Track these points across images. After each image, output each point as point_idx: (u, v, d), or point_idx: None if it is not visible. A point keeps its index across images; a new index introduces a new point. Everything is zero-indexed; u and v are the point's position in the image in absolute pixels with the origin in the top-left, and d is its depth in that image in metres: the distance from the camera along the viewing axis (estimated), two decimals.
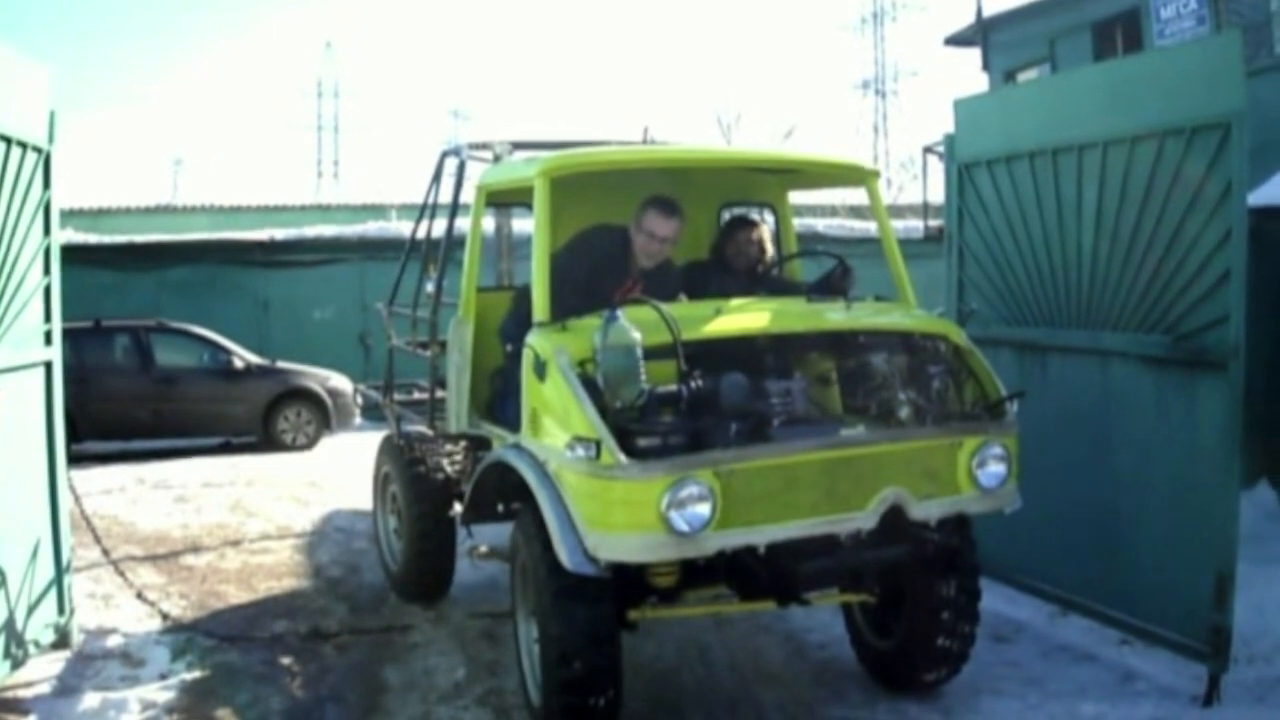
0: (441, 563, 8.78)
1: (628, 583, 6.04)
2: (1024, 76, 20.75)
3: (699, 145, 8.60)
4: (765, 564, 5.80)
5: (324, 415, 18.00)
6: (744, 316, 6.37)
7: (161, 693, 7.05)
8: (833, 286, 7.14)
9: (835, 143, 78.14)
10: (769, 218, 8.63)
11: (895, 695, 6.93)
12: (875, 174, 7.88)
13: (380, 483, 9.62)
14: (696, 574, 6.19)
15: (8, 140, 6.70)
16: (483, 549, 7.55)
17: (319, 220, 27.28)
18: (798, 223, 24.35)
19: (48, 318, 7.48)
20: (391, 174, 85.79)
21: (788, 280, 7.88)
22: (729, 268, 7.65)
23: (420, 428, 9.23)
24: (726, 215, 8.65)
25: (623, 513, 5.47)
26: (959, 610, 6.70)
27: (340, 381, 17.89)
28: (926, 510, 5.97)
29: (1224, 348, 6.61)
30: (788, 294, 7.19)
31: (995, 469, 6.18)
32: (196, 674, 7.41)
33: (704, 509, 5.42)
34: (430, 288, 8.75)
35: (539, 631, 6.08)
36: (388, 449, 9.41)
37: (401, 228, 9.32)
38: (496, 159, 8.07)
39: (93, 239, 21.52)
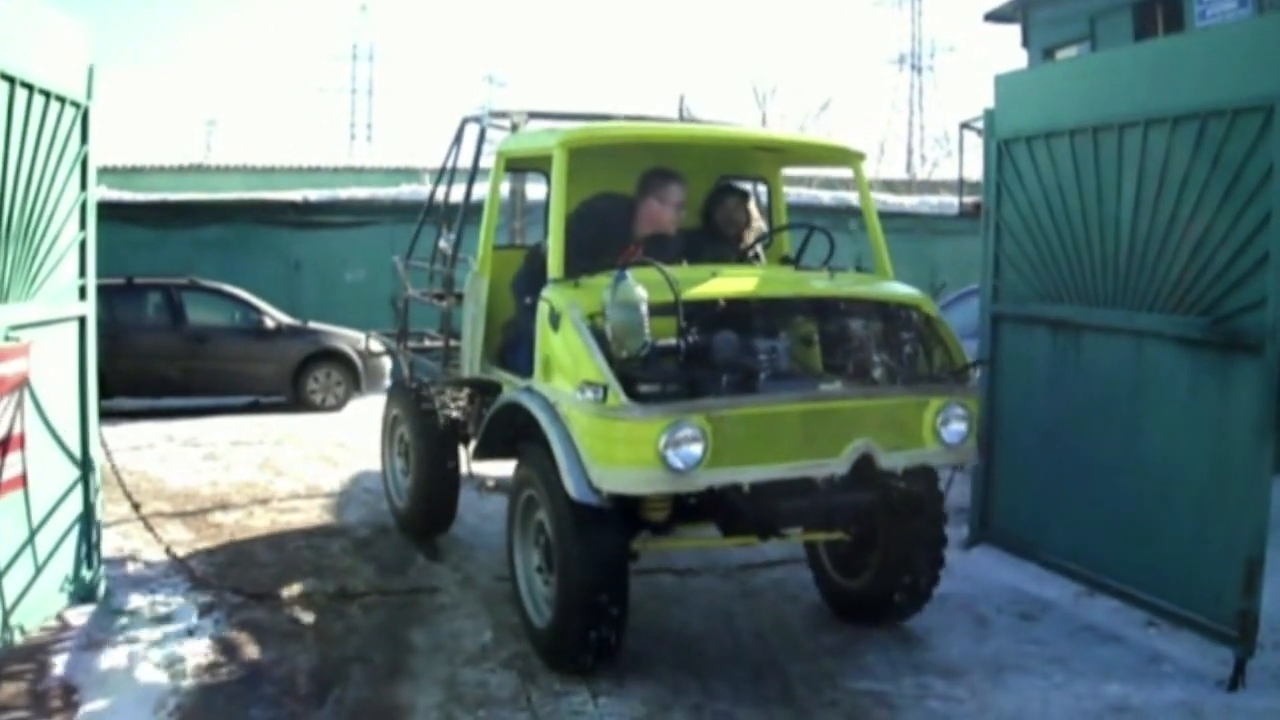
0: (446, 500, 9.41)
1: (624, 516, 6.65)
2: (1063, 54, 20.59)
3: (700, 124, 9.30)
4: (749, 501, 6.42)
5: (354, 377, 18.00)
6: (737, 281, 6.95)
7: (188, 648, 7.07)
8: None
9: (869, 117, 78.14)
10: (763, 191, 9.20)
11: (920, 670, 6.94)
12: (861, 156, 8.42)
13: (389, 425, 10.29)
14: (686, 511, 6.86)
15: (47, 94, 6.71)
16: (490, 483, 8.35)
17: (352, 182, 27.30)
18: (828, 194, 24.45)
19: (83, 273, 7.49)
20: (424, 138, 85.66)
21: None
22: (719, 234, 8.23)
23: (427, 376, 10.06)
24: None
25: (625, 450, 6.12)
26: (924, 553, 7.42)
27: (372, 343, 17.86)
28: (894, 460, 6.61)
29: (1261, 331, 6.58)
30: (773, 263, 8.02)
31: (957, 427, 6.76)
32: (223, 631, 7.43)
33: (697, 449, 6.06)
34: (445, 244, 9.59)
35: (558, 556, 6.63)
36: (398, 393, 10.20)
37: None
38: (514, 128, 8.75)
39: (126, 196, 21.57)
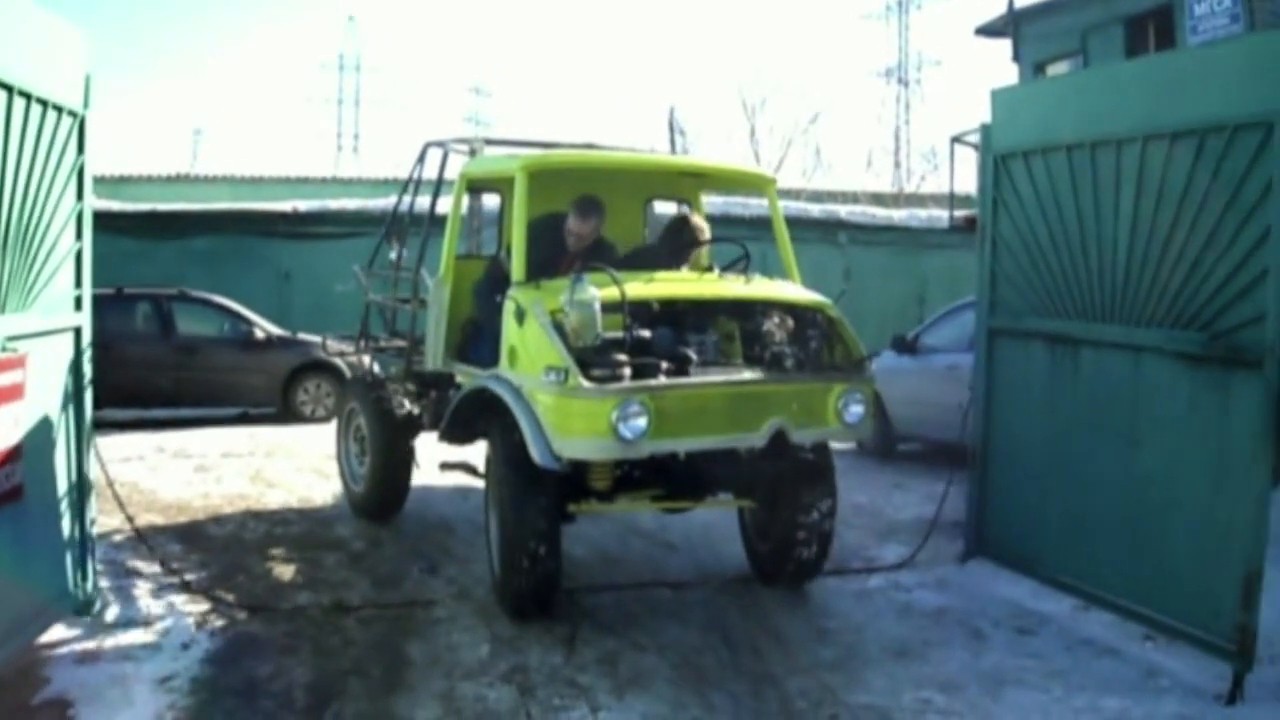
0: (400, 484, 10.65)
1: (572, 485, 7.91)
2: (1054, 69, 20.64)
3: (633, 153, 10.54)
4: (684, 468, 7.84)
5: (342, 387, 17.87)
6: (671, 286, 8.11)
7: (184, 662, 7.04)
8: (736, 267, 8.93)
9: (857, 130, 78.22)
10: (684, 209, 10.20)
11: (919, 684, 6.92)
12: (771, 181, 9.77)
13: (346, 416, 11.38)
14: (628, 482, 8.18)
15: (44, 103, 6.67)
16: (449, 461, 9.48)
17: (340, 193, 27.27)
18: (817, 207, 24.60)
19: (78, 284, 7.46)
20: (411, 149, 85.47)
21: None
22: (673, 250, 9.02)
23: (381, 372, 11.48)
24: (653, 207, 10.84)
25: (582, 423, 7.17)
26: (819, 517, 8.50)
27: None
28: (803, 436, 7.77)
29: (1260, 346, 6.60)
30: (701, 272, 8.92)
31: (856, 409, 7.86)
32: (219, 644, 7.39)
33: (642, 422, 7.11)
34: (394, 255, 10.87)
35: (498, 515, 7.98)
36: (355, 388, 11.45)
37: (422, 203, 10.06)
38: (473, 152, 9.84)
39: (116, 206, 21.48)
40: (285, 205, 23.15)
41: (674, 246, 9.07)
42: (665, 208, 11.02)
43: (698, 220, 9.26)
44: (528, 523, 7.57)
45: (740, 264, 8.89)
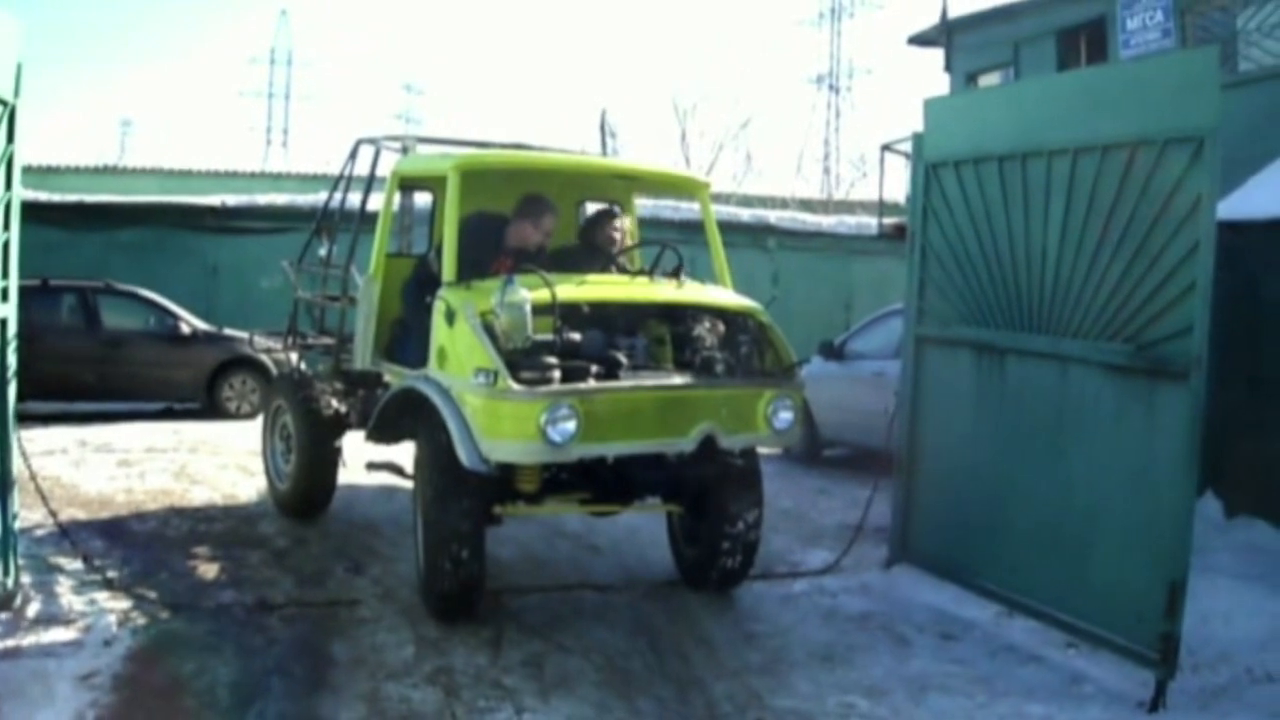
0: (325, 483, 10.55)
1: (500, 488, 7.83)
2: (986, 80, 20.78)
3: (566, 154, 10.61)
4: (612, 471, 7.77)
5: (268, 384, 17.74)
6: (603, 288, 8.10)
7: (106, 659, 6.94)
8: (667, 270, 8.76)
9: (788, 135, 78.48)
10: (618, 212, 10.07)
11: (843, 689, 6.95)
12: (705, 185, 9.80)
13: (272, 414, 11.24)
14: (556, 485, 8.08)
15: None
16: (375, 461, 9.31)
17: (269, 188, 27.03)
18: (747, 212, 24.71)
19: (4, 274, 7.37)
20: (341, 145, 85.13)
21: (629, 264, 9.22)
22: (595, 251, 9.09)
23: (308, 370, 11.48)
24: (587, 208, 10.49)
25: (511, 425, 7.14)
26: (744, 528, 8.52)
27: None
28: (733, 441, 7.77)
29: (1186, 358, 6.68)
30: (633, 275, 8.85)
31: (785, 415, 7.93)
32: (142, 641, 7.30)
33: (571, 425, 7.10)
34: (323, 252, 10.91)
35: (422, 517, 7.88)
36: (281, 385, 11.44)
37: (352, 199, 10.06)
38: (405, 150, 9.89)
39: (43, 196, 21.18)
40: (213, 199, 22.91)
41: (589, 245, 9.19)
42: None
43: (620, 222, 9.39)
44: (451, 525, 7.53)
45: (673, 268, 8.77)
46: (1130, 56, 16.53)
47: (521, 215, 8.84)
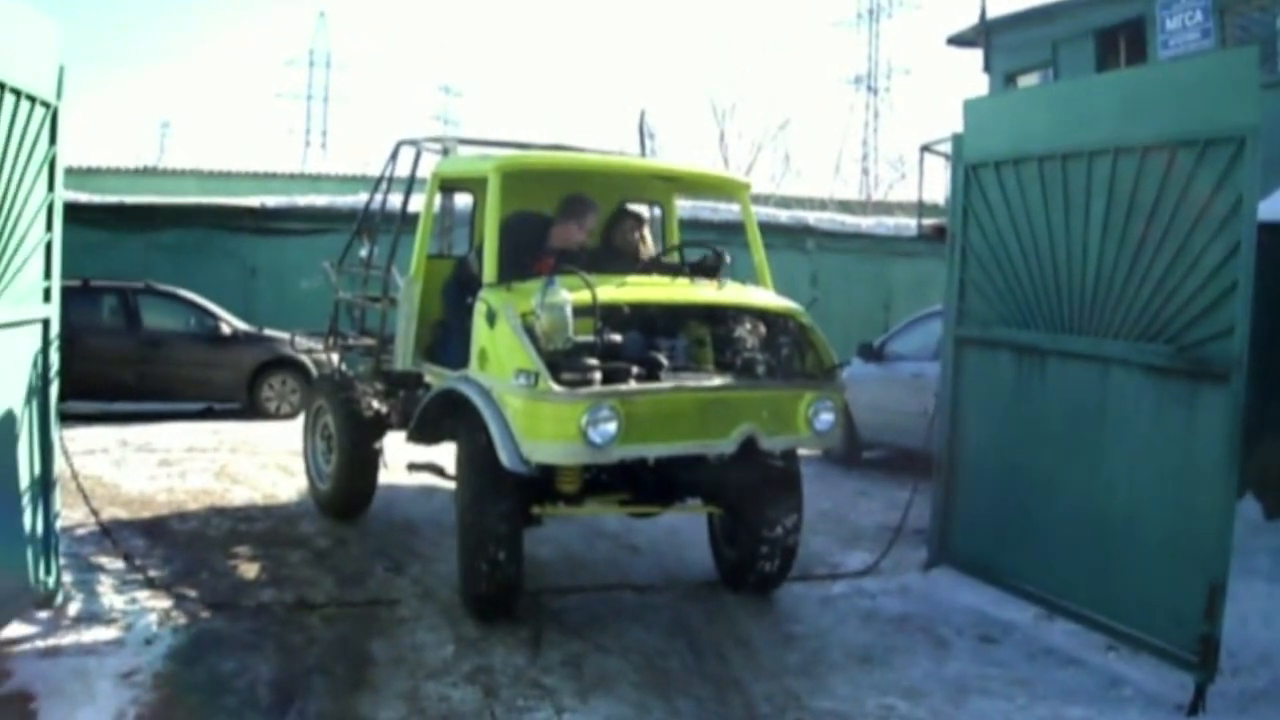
0: (366, 483, 10.60)
1: (539, 489, 7.87)
2: (1025, 80, 20.70)
3: (606, 155, 10.44)
4: (653, 473, 7.87)
5: (308, 385, 17.80)
6: (644, 290, 8.10)
7: (147, 658, 6.98)
8: (706, 270, 8.71)
9: (826, 137, 78.34)
10: (657, 213, 10.38)
11: (882, 691, 6.93)
12: (745, 186, 10.00)
13: (313, 414, 11.35)
14: (596, 486, 8.09)
15: (17, 93, 6.63)
16: (416, 461, 9.32)
17: (308, 189, 27.15)
18: (785, 213, 24.66)
19: (48, 275, 7.41)
20: (379, 146, 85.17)
21: (669, 265, 9.01)
22: (616, 253, 9.04)
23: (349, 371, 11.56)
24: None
25: (551, 427, 7.14)
26: (783, 533, 8.50)
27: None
28: (773, 443, 7.76)
29: (1227, 359, 6.64)
30: (671, 275, 8.68)
31: (826, 417, 7.89)
32: (182, 640, 7.35)
33: (612, 427, 7.08)
34: (364, 253, 10.95)
35: (459, 519, 7.93)
36: (323, 386, 11.52)
37: (393, 200, 10.16)
38: (445, 152, 9.94)
39: (83, 198, 21.32)
40: (253, 200, 23.08)
41: (608, 247, 9.17)
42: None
43: (641, 224, 9.38)
44: (488, 528, 7.56)
45: (711, 265, 8.78)
46: (1169, 57, 16.45)
47: (566, 215, 8.82)
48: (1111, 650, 7.61)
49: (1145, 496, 7.28)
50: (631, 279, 8.22)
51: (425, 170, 10.05)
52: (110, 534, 8.99)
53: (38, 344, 7.37)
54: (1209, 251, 6.79)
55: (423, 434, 9.06)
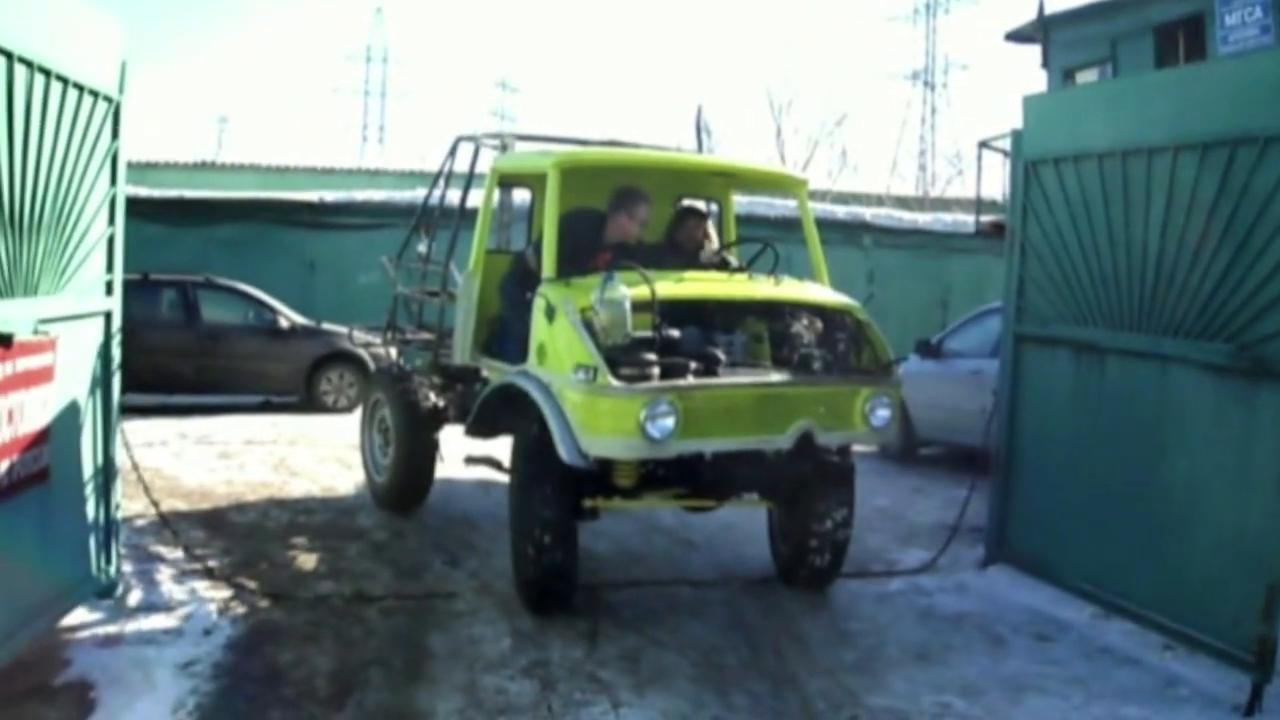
0: (423, 477, 10.67)
1: (597, 481, 7.92)
2: (1083, 76, 20.60)
3: (664, 151, 10.40)
4: (710, 468, 7.81)
5: (366, 379, 17.87)
6: (702, 285, 8.16)
7: (206, 648, 7.07)
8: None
9: (883, 132, 78.04)
10: (714, 209, 10.23)
11: (939, 689, 6.93)
12: (803, 182, 9.81)
13: (371, 408, 11.44)
14: (651, 480, 8.11)
15: (80, 88, 6.69)
16: (474, 455, 9.35)
17: (366, 184, 27.29)
18: (842, 209, 24.62)
19: (110, 268, 7.49)
20: (436, 141, 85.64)
21: (726, 260, 9.25)
22: (679, 248, 9.15)
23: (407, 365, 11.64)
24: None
25: (610, 421, 7.16)
26: (832, 526, 8.54)
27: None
28: (830, 439, 7.81)
29: None
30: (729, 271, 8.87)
31: (883, 413, 7.91)
32: (241, 631, 7.43)
33: (670, 422, 7.11)
34: (422, 248, 11.06)
35: (512, 512, 8.13)
36: (380, 380, 11.53)
37: (451, 195, 10.25)
38: (504, 147, 9.94)
39: (143, 192, 21.46)
40: (311, 195, 23.17)
41: (672, 243, 9.23)
42: None
43: (703, 221, 9.36)
44: (534, 512, 7.68)
45: (770, 264, 8.77)
46: (1229, 53, 16.32)
47: (616, 208, 8.87)
48: (1168, 650, 7.57)
49: (1204, 495, 7.24)
50: (689, 274, 8.28)
51: (483, 166, 10.11)
52: (170, 525, 9.08)
53: (100, 337, 7.45)
54: (1270, 249, 6.74)
55: (481, 428, 9.20)
